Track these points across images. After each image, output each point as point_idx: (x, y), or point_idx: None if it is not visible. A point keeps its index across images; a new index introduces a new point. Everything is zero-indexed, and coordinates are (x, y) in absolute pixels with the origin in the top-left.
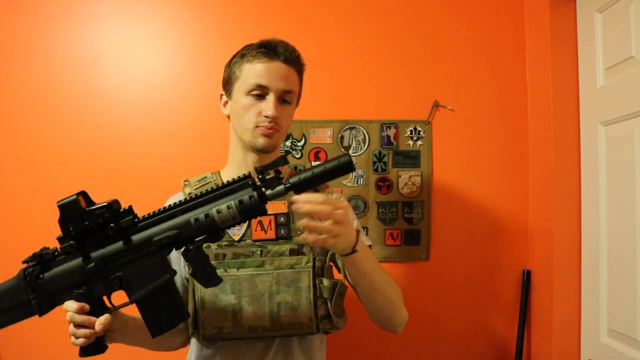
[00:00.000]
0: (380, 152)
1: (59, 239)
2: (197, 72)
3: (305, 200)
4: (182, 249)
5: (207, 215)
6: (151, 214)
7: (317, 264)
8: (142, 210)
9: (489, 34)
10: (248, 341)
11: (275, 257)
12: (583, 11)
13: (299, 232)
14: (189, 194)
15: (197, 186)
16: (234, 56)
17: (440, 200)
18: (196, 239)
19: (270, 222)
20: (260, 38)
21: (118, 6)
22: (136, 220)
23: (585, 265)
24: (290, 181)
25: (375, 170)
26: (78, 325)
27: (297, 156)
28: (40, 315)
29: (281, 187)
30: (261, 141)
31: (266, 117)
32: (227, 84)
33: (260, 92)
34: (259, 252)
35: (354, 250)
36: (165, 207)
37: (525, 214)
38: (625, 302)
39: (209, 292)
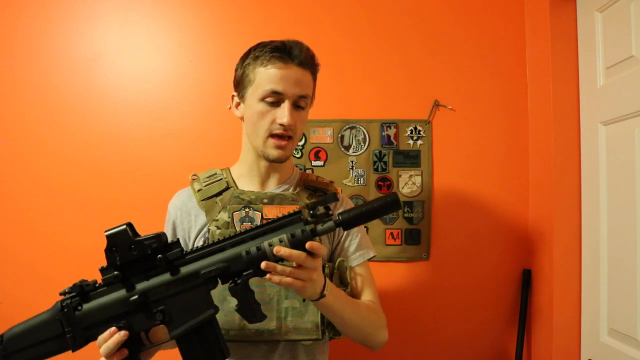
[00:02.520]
0: (380, 152)
1: (102, 270)
2: (197, 71)
3: (279, 271)
4: (228, 284)
5: (258, 248)
6: (199, 247)
7: (325, 270)
8: (142, 211)
9: (489, 34)
10: (253, 343)
11: (285, 262)
12: (583, 11)
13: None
14: (198, 190)
15: (206, 182)
16: (247, 56)
17: (441, 199)
18: (245, 273)
19: None
20: (260, 38)
21: (118, 6)
22: (184, 252)
23: (585, 265)
24: (341, 218)
25: (376, 169)
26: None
27: (298, 156)
28: (74, 350)
29: (331, 223)
30: (274, 153)
31: (281, 124)
32: (240, 85)
33: (275, 99)
34: None
35: (322, 296)
36: (213, 241)
37: (526, 214)
38: (625, 301)
39: (217, 295)
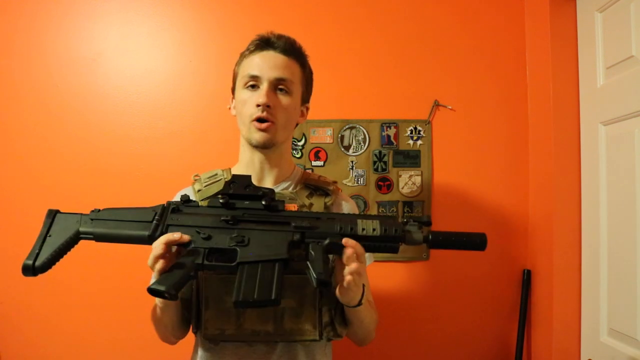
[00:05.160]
0: (380, 152)
1: (213, 195)
2: (197, 71)
3: (354, 246)
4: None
5: (352, 228)
6: (296, 211)
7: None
8: None
9: (489, 34)
10: (251, 344)
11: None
12: (583, 11)
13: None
14: (198, 190)
15: (207, 183)
16: (239, 57)
17: (441, 199)
18: (329, 238)
19: None
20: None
21: (118, 6)
22: (284, 209)
23: (585, 264)
24: (430, 237)
25: (376, 169)
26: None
27: (298, 156)
28: (149, 237)
29: (420, 236)
30: (256, 136)
31: (258, 105)
32: (233, 84)
33: (254, 83)
34: None
35: (360, 303)
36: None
37: (526, 214)
38: (625, 301)
39: (214, 293)
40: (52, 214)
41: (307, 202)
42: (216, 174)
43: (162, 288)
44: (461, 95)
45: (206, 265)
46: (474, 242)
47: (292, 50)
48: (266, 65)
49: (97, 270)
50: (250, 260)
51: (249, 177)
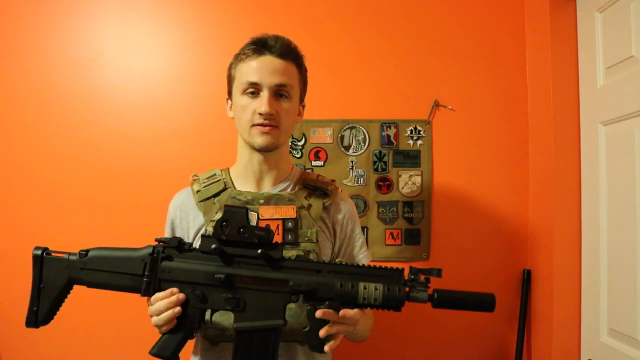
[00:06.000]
0: (380, 152)
1: (204, 237)
2: (197, 71)
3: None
4: (307, 304)
5: (353, 286)
6: (296, 258)
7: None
8: (142, 210)
9: (489, 33)
10: None
11: None
12: (583, 11)
13: (306, 239)
14: (197, 191)
15: (206, 183)
16: (233, 58)
17: (441, 199)
18: (328, 302)
19: (278, 227)
20: (251, 37)
21: (118, 6)
22: (283, 257)
23: (585, 264)
24: (436, 296)
25: (376, 169)
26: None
27: (298, 156)
28: (143, 294)
29: (425, 295)
30: (259, 140)
31: (260, 114)
32: (228, 87)
33: (253, 90)
34: None
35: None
36: (312, 260)
37: (526, 214)
38: (625, 301)
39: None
40: (39, 261)
41: (305, 202)
42: (215, 174)
43: (166, 354)
44: (461, 95)
45: (203, 326)
46: (482, 303)
47: (288, 52)
48: (265, 71)
49: None
50: (246, 329)
51: (244, 212)
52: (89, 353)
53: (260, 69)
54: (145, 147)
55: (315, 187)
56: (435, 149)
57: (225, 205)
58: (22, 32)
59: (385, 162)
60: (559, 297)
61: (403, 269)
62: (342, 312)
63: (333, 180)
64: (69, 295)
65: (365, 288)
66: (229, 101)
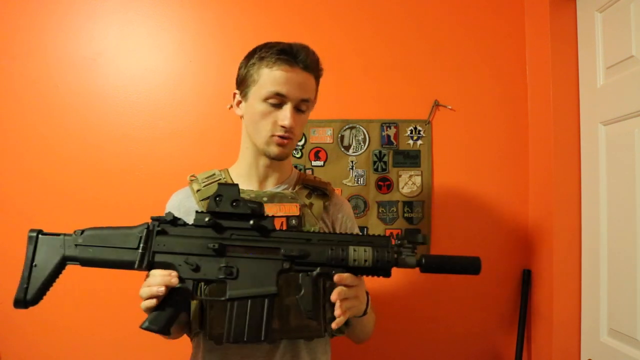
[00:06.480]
0: (380, 152)
1: (198, 212)
2: (198, 71)
3: (343, 286)
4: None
5: (343, 250)
6: (287, 229)
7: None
8: (142, 210)
9: (489, 33)
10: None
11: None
12: (583, 11)
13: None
14: (197, 190)
15: (205, 183)
16: (252, 55)
17: (441, 199)
18: (320, 267)
19: (282, 224)
20: (261, 38)
21: (118, 5)
22: (274, 228)
23: (585, 264)
24: (423, 261)
25: (376, 169)
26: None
27: (297, 156)
28: (137, 267)
29: (413, 260)
30: (275, 150)
31: (282, 127)
32: (243, 84)
33: (278, 101)
34: None
35: (364, 313)
36: (302, 230)
37: (525, 214)
38: (625, 301)
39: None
40: (34, 239)
41: (307, 201)
42: (214, 174)
43: (155, 327)
44: (461, 95)
45: (196, 298)
46: (468, 266)
47: (313, 66)
48: (293, 85)
49: (97, 270)
50: (239, 297)
51: (236, 187)
52: (89, 353)
53: (289, 82)
54: (145, 147)
55: (315, 187)
56: (435, 149)
57: (219, 183)
58: (22, 32)
59: (385, 162)
60: (559, 297)
61: (390, 236)
62: (336, 276)
63: (329, 183)
64: (68, 295)
65: (355, 250)
66: (237, 97)
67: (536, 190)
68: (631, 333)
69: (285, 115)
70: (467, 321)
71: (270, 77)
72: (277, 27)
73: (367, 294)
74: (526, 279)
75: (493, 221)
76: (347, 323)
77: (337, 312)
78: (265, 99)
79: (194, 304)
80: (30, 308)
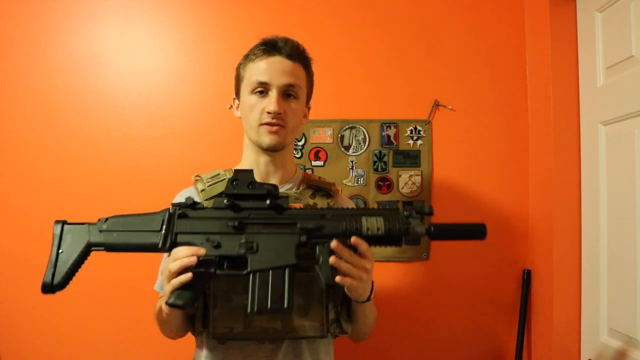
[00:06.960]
0: (380, 152)
1: (215, 196)
2: (198, 71)
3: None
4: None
5: (356, 221)
6: (302, 208)
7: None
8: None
9: (489, 33)
10: (257, 341)
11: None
12: (583, 11)
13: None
14: (202, 190)
15: (210, 182)
16: (242, 59)
17: (441, 199)
18: (335, 237)
19: None
20: (261, 38)
21: (118, 5)
22: (289, 207)
23: (585, 264)
24: (432, 229)
25: (376, 169)
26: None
27: (298, 156)
28: (160, 248)
29: (422, 229)
30: (267, 140)
31: (268, 113)
32: (236, 87)
33: (262, 89)
34: None
35: (368, 299)
36: (316, 208)
37: (526, 214)
38: (625, 301)
39: (222, 291)
40: (60, 228)
41: (311, 201)
42: (218, 174)
43: (180, 303)
44: (461, 95)
45: (219, 274)
46: (475, 232)
47: (297, 54)
48: (275, 71)
49: (97, 270)
50: (261, 269)
51: (251, 172)
52: (89, 353)
53: (270, 69)
54: (145, 147)
55: (319, 187)
56: (435, 149)
57: (235, 169)
58: (22, 32)
59: (385, 162)
60: (559, 297)
61: (398, 208)
62: (354, 238)
63: (333, 183)
64: (68, 295)
65: (367, 220)
66: (236, 101)
67: (536, 190)
68: (631, 333)
69: (270, 101)
70: (467, 321)
71: (254, 69)
72: (277, 27)
73: (372, 283)
74: (526, 279)
75: (493, 221)
76: (350, 320)
77: (332, 260)
78: (252, 91)
79: (201, 301)
80: (30, 308)
